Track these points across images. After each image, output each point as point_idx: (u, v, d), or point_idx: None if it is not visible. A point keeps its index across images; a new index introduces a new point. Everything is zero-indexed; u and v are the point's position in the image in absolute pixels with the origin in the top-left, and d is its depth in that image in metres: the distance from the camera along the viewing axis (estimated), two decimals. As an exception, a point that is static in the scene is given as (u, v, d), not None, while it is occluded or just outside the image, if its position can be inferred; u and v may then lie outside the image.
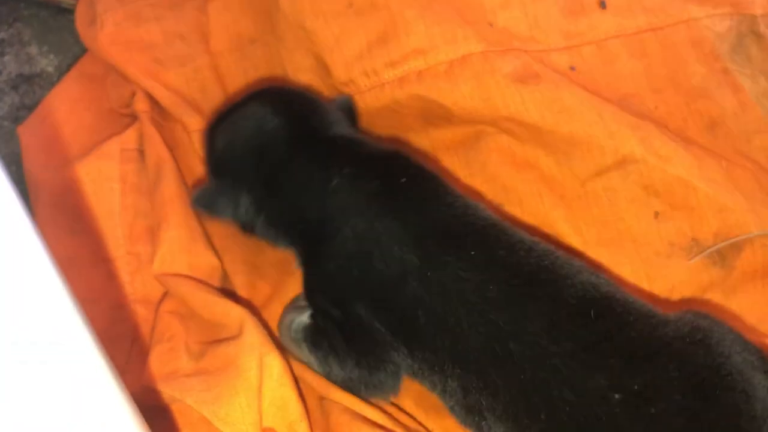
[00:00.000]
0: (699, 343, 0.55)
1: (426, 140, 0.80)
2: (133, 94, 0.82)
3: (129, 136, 0.79)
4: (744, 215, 0.73)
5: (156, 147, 0.76)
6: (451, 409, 0.61)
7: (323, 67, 0.78)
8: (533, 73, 0.75)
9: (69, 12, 1.08)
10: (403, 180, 0.64)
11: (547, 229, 0.76)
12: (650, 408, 0.51)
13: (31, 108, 0.97)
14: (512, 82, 0.74)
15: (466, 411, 0.59)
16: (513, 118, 0.74)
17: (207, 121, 0.77)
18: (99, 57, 0.85)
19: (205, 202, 0.70)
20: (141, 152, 0.79)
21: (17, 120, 0.95)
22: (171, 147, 0.80)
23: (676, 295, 0.73)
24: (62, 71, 1.01)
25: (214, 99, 0.85)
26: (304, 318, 0.67)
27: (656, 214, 0.74)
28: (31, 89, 0.99)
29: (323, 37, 0.77)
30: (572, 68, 0.78)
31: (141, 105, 0.81)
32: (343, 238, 0.62)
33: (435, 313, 0.58)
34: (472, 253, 0.59)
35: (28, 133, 0.83)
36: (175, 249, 0.72)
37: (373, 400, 0.67)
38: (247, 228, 0.71)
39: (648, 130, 0.74)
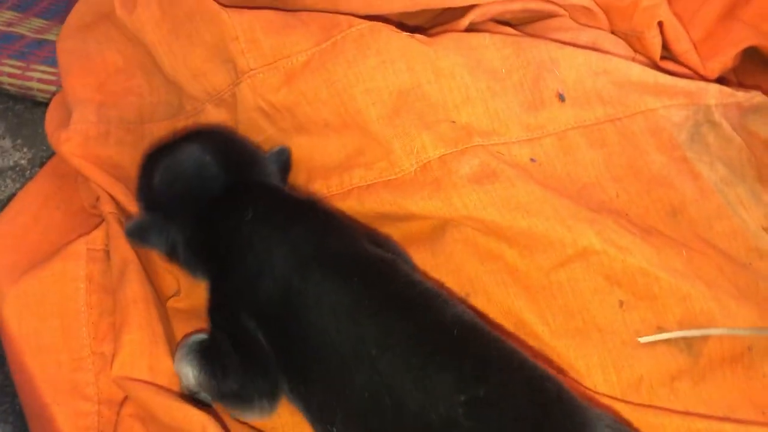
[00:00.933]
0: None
1: (394, 231, 0.81)
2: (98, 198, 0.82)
3: (96, 236, 0.80)
4: (707, 303, 0.74)
5: (121, 247, 0.77)
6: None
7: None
8: (490, 171, 0.77)
9: (44, 105, 1.09)
10: (306, 216, 0.72)
11: (513, 319, 0.76)
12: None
13: (2, 202, 0.97)
14: (469, 183, 0.76)
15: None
16: (472, 217, 0.76)
17: (145, 151, 0.82)
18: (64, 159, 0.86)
19: (139, 234, 0.76)
20: (107, 252, 0.79)
21: (-16, 215, 0.95)
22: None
23: (645, 387, 0.72)
24: (35, 165, 1.03)
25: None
26: (202, 335, 0.73)
27: (621, 303, 0.74)
28: (3, 182, 1.00)
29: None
30: (533, 160, 0.80)
31: (106, 206, 0.82)
32: (246, 261, 0.69)
33: (308, 330, 0.63)
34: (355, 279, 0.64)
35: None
36: (135, 352, 0.72)
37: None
38: (173, 257, 0.78)
39: (605, 223, 0.75)
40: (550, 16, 0.92)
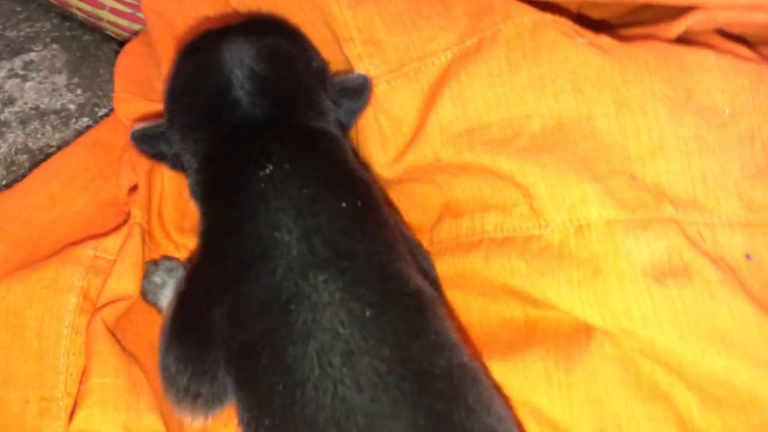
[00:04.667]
0: None
1: (518, 312, 0.59)
2: (135, 188, 0.63)
3: (110, 243, 0.63)
4: None
5: (126, 276, 0.61)
6: None
7: None
8: (681, 266, 0.52)
9: (116, 42, 0.90)
10: (341, 203, 0.53)
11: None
12: None
13: (32, 153, 0.78)
14: (644, 277, 0.52)
15: None
16: (638, 334, 0.51)
17: (182, 44, 0.64)
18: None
19: (144, 140, 0.62)
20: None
21: (10, 166, 0.76)
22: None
23: None
24: (84, 113, 0.85)
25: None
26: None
27: None
28: (42, 128, 0.81)
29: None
30: (749, 257, 0.53)
31: (138, 211, 0.65)
32: (240, 241, 0.52)
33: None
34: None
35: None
36: (107, 402, 0.55)
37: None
38: (177, 168, 0.62)
39: None
40: (806, 37, 0.61)
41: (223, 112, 0.57)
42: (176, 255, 0.66)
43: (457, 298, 0.61)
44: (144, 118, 0.71)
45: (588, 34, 0.57)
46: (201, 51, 0.60)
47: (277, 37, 0.61)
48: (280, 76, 0.59)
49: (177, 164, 0.62)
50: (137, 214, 0.64)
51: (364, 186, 0.56)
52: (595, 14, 0.66)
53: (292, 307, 0.48)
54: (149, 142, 0.62)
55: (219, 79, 0.57)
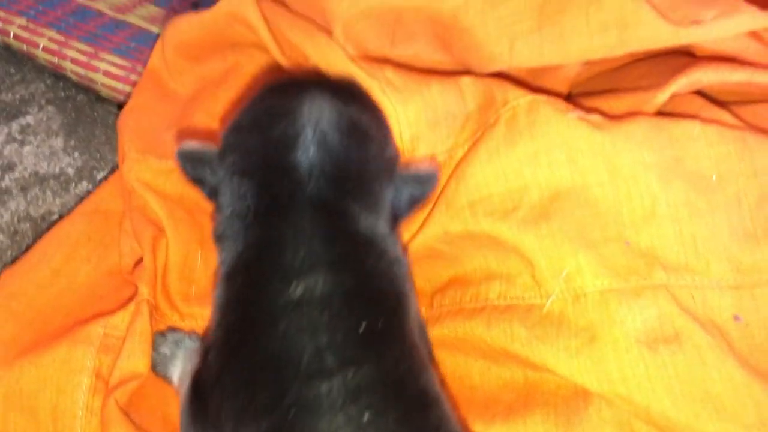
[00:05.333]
0: None
1: (519, 375, 0.60)
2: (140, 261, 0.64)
3: (118, 320, 0.63)
4: None
5: (135, 355, 0.61)
6: None
7: None
8: (672, 332, 0.54)
9: (109, 103, 0.91)
10: (365, 323, 0.50)
11: None
12: None
13: (35, 220, 0.79)
14: (638, 345, 0.54)
15: None
16: (633, 400, 0.53)
17: (268, 81, 0.62)
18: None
19: (190, 161, 0.58)
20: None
21: (14, 235, 0.77)
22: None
23: None
24: (83, 177, 0.86)
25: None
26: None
27: None
28: (42, 194, 0.82)
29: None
30: (737, 318, 0.54)
31: (144, 287, 0.65)
32: (259, 341, 0.51)
33: None
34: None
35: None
36: None
37: None
38: (212, 199, 0.59)
39: None
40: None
41: (277, 171, 0.54)
42: (181, 324, 0.67)
43: (458, 360, 0.63)
44: (156, 178, 0.71)
45: (579, 111, 0.59)
46: (281, 94, 0.58)
47: (362, 111, 0.58)
48: (351, 153, 0.55)
49: (213, 196, 0.59)
50: (144, 291, 0.65)
51: (394, 300, 0.54)
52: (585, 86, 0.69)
53: (293, 411, 0.47)
54: (194, 164, 0.58)
55: (288, 131, 0.54)
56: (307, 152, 0.53)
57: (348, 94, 0.59)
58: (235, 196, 0.55)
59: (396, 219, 0.58)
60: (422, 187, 0.59)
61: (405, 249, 0.62)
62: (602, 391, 0.54)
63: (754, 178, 0.57)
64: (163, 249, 0.69)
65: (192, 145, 0.59)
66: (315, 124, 0.54)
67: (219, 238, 0.57)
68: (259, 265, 0.53)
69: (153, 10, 1.01)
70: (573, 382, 0.56)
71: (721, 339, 0.54)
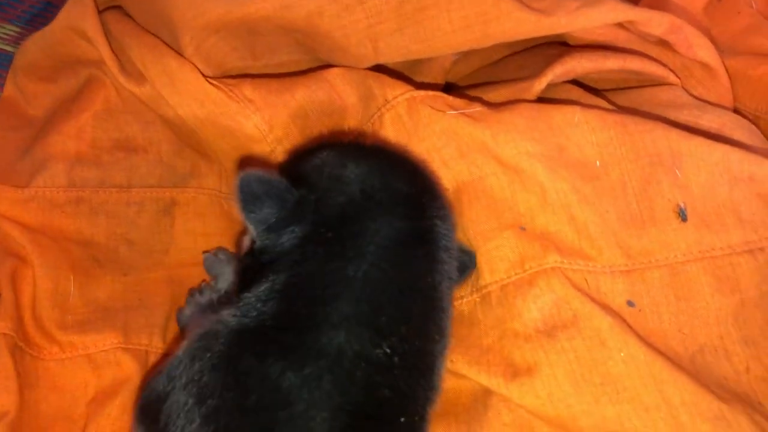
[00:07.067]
0: None
1: None
2: None
3: None
4: None
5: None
6: None
7: None
8: (569, 316, 0.54)
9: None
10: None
11: None
12: None
13: None
14: (536, 334, 0.54)
15: None
16: (535, 391, 0.52)
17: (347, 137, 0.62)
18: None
19: (254, 191, 0.51)
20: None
21: None
22: (26, 385, 0.58)
23: None
24: None
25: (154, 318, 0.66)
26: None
27: None
28: None
29: None
30: (630, 303, 0.54)
31: (4, 321, 0.59)
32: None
33: None
34: None
35: None
36: None
37: None
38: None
39: (736, 424, 0.50)
40: (658, 83, 0.64)
41: (344, 234, 0.50)
42: (62, 355, 0.61)
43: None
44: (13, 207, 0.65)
45: (460, 105, 0.58)
46: (378, 154, 0.56)
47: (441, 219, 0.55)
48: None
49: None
50: (1, 325, 0.59)
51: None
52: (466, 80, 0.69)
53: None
54: (256, 196, 0.51)
55: (375, 188, 0.52)
56: (384, 211, 0.52)
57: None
58: (295, 237, 0.51)
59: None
60: (468, 256, 0.57)
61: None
62: (508, 389, 0.53)
63: (636, 162, 0.57)
64: (27, 279, 0.63)
65: (260, 171, 0.52)
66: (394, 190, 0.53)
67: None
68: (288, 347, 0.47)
69: (9, 29, 0.93)
70: (471, 387, 0.55)
71: (618, 321, 0.53)
